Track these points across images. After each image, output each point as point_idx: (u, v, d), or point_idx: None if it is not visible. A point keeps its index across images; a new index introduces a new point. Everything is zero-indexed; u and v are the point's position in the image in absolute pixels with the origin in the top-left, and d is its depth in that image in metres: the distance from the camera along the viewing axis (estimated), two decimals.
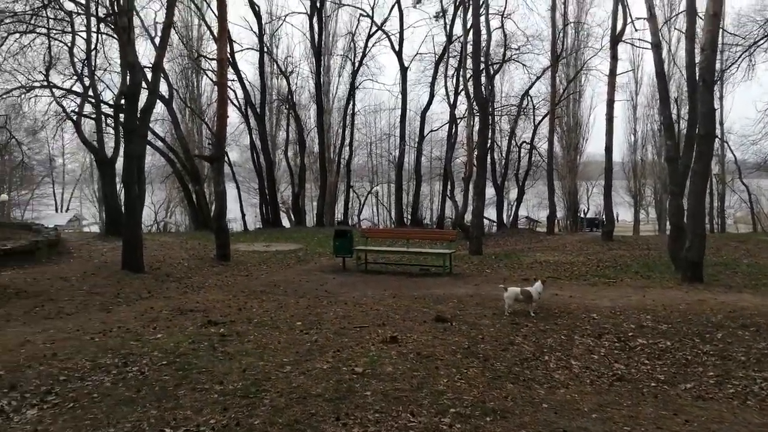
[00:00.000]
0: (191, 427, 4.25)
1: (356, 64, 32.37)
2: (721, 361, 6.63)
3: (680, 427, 4.61)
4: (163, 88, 24.76)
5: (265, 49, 30.86)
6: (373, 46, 32.76)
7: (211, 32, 28.08)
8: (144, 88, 15.13)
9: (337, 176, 34.10)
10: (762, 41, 25.00)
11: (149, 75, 18.90)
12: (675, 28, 27.80)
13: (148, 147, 19.50)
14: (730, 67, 24.48)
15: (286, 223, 32.93)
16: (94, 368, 5.65)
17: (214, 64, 27.78)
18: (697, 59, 12.89)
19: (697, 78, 11.97)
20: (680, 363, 6.59)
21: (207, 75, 31.28)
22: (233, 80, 28.06)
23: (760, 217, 33.02)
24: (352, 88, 32.63)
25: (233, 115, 29.78)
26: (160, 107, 26.14)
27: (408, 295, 10.10)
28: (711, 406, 5.31)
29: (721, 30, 15.88)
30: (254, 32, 30.29)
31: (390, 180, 39.32)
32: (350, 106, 33.10)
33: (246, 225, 31.91)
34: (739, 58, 24.93)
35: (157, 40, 20.31)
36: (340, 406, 4.66)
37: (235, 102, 30.13)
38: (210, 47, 30.66)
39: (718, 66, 15.20)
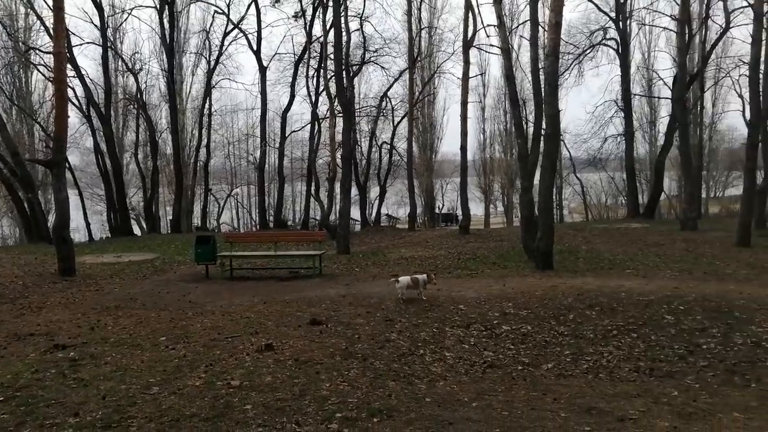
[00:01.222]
0: None
1: (212, 63, 31.22)
2: (574, 339, 7.26)
3: (550, 405, 4.94)
4: None
5: (109, 44, 28.40)
6: (229, 44, 31.84)
7: (43, 23, 25.22)
8: None
9: (194, 179, 32.51)
10: (589, 51, 28.27)
11: None
12: (520, 36, 30.16)
13: None
14: (563, 73, 27.26)
15: (137, 230, 30.64)
16: None
17: (47, 58, 24.98)
18: (541, 65, 14.04)
19: (542, 82, 13.01)
20: (541, 345, 7.11)
21: (39, 70, 28.07)
22: (72, 77, 25.57)
23: (590, 207, 37.28)
24: (208, 88, 31.40)
25: (73, 115, 27.16)
26: None
27: (279, 300, 9.79)
28: (572, 383, 5.77)
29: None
30: (95, 25, 27.83)
31: (250, 181, 38.21)
32: (206, 106, 31.84)
33: (91, 235, 29.07)
34: (571, 64, 27.90)
35: None
36: (218, 424, 4.34)
37: (75, 101, 27.43)
38: (41, 40, 27.54)
39: None
